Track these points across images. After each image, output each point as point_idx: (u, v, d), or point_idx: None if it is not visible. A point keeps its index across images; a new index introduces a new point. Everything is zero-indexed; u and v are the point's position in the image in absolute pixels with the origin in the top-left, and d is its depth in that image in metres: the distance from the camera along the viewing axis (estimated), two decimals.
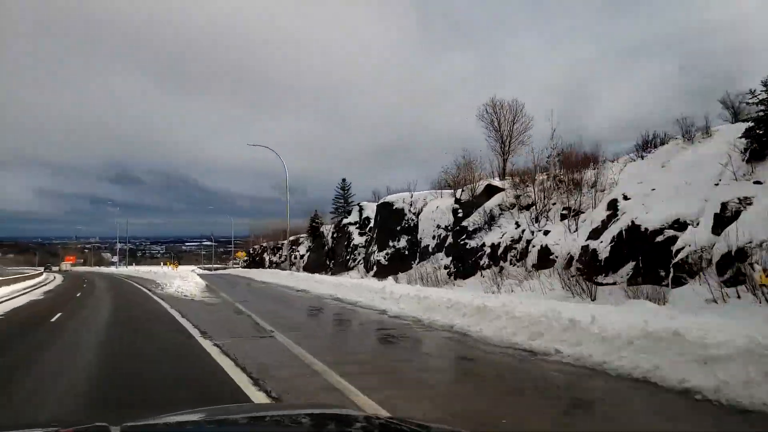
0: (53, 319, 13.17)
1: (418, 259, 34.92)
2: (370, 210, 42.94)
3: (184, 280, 28.55)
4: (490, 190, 26.84)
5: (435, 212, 34.15)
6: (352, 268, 41.67)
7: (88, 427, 1.80)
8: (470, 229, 26.28)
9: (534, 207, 23.16)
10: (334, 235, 48.62)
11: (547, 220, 21.92)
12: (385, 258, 36.50)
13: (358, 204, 44.30)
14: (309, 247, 58.55)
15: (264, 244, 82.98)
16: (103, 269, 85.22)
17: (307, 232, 57.61)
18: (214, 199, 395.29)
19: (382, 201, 38.60)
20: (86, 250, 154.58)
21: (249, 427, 2.12)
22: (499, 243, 23.58)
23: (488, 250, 24.14)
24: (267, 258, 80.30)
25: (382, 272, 35.45)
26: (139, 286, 29.33)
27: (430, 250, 33.60)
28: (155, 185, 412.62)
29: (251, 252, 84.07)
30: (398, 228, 36.64)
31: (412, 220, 36.39)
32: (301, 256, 60.52)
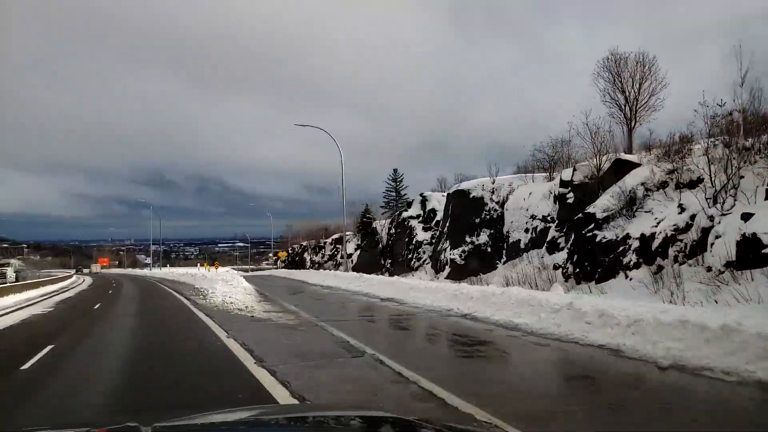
0: (26, 366, 7.38)
1: (504, 258, 28.80)
2: (436, 201, 36.91)
3: (228, 285, 23.11)
4: (621, 167, 20.54)
5: (527, 200, 27.94)
6: (416, 269, 35.75)
7: (120, 427, 1.81)
8: (599, 216, 20.03)
9: (704, 184, 16.78)
10: (391, 232, 42.77)
11: (735, 200, 15.55)
12: (460, 256, 30.46)
13: (420, 195, 38.27)
14: (358, 245, 52.88)
15: (304, 244, 77.89)
16: (137, 271, 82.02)
17: (356, 228, 51.93)
18: (247, 200, 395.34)
19: (454, 189, 32.56)
20: (121, 252, 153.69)
21: (282, 428, 2.09)
22: (654, 233, 17.29)
23: (635, 244, 17.86)
24: (308, 258, 75.16)
25: (456, 273, 29.47)
26: (175, 293, 24.04)
27: (522, 245, 27.44)
28: (188, 187, 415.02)
29: (290, 252, 78.92)
30: (477, 220, 30.55)
31: (495, 210, 30.25)
32: (349, 255, 54.93)
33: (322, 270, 46.76)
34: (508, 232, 28.91)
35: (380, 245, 45.12)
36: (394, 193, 51.21)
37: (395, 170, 52.07)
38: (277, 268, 75.28)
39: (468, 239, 30.60)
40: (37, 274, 72.64)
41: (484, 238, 30.10)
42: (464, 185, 32.05)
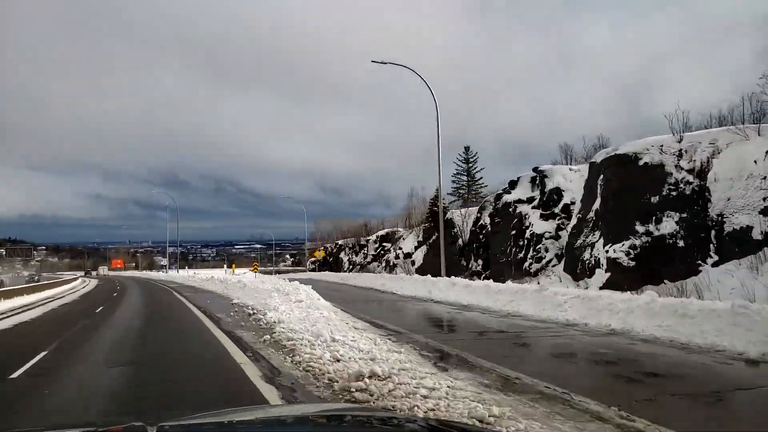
0: None
1: (715, 255, 18.32)
2: (561, 177, 26.34)
3: (296, 303, 13.04)
4: None
5: (763, 162, 17.41)
6: (534, 273, 25.26)
7: (126, 427, 1.77)
8: None
9: None
10: (481, 223, 32.30)
11: None
12: (627, 254, 19.99)
13: (535, 170, 27.57)
14: (419, 242, 42.54)
15: (340, 243, 67.76)
16: (151, 274, 72.57)
17: (425, 220, 41.40)
18: (263, 201, 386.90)
19: (608, 155, 21.96)
20: (138, 254, 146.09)
21: (286, 427, 2.03)
22: None
23: None
24: (345, 258, 65.09)
25: (623, 279, 19.06)
26: (197, 312, 14.08)
27: (756, 236, 16.95)
28: (204, 188, 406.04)
29: (327, 251, 68.64)
30: (654, 199, 20.07)
31: (687, 182, 19.73)
32: (406, 255, 44.69)
33: (383, 273, 36.64)
34: (721, 215, 18.37)
35: (460, 241, 34.71)
36: (465, 177, 40.74)
37: (467, 148, 41.55)
38: (309, 271, 65.40)
39: (638, 228, 20.10)
40: (42, 276, 68.15)
41: (670, 225, 19.57)
42: (626, 148, 21.48)
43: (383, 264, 51.50)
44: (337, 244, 68.99)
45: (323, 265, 64.13)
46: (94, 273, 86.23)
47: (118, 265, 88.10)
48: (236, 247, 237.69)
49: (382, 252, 55.36)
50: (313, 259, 66.79)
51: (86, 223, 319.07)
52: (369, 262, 58.22)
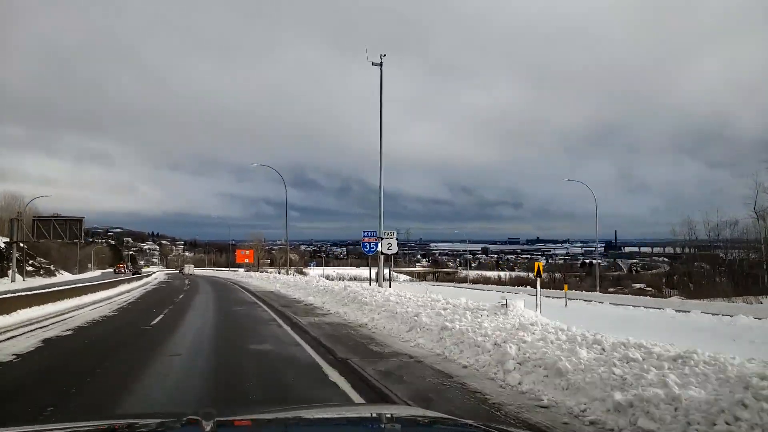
0: None
1: None
2: None
3: None
4: None
5: None
6: None
7: (179, 419, 1.85)
8: None
9: None
10: None
11: None
12: None
13: None
14: None
15: None
16: (288, 279, 58.33)
17: None
18: (392, 201, 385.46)
19: None
20: (273, 251, 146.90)
21: (338, 427, 2.10)
22: None
23: None
24: None
25: None
26: None
27: None
28: (332, 188, 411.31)
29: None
30: None
31: None
32: None
33: None
34: None
35: None
36: None
37: None
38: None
39: None
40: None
41: None
42: None
43: None
44: None
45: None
46: (186, 271, 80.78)
47: (243, 260, 76.58)
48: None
49: None
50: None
51: (227, 222, 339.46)
52: None
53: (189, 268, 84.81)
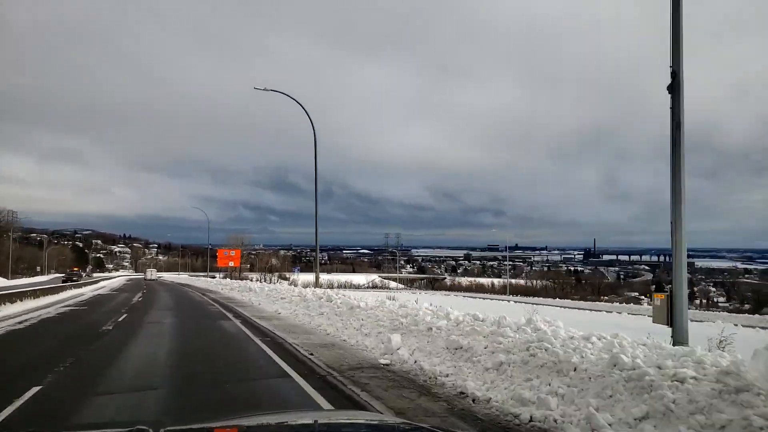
0: None
1: None
2: None
3: None
4: None
5: None
6: None
7: (130, 429, 1.77)
8: None
9: None
10: None
11: None
12: None
13: None
14: None
15: None
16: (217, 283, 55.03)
17: None
18: (369, 204, 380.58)
19: None
20: (252, 256, 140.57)
21: None
22: None
23: None
24: None
25: None
26: None
27: None
28: (311, 190, 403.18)
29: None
30: None
31: None
32: None
33: None
34: None
35: None
36: None
37: None
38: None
39: None
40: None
41: None
42: None
43: None
44: None
45: None
46: (149, 275, 73.15)
47: (226, 264, 67.35)
48: (345, 251, 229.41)
49: None
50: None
51: (204, 226, 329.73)
52: None
53: (152, 273, 75.94)
